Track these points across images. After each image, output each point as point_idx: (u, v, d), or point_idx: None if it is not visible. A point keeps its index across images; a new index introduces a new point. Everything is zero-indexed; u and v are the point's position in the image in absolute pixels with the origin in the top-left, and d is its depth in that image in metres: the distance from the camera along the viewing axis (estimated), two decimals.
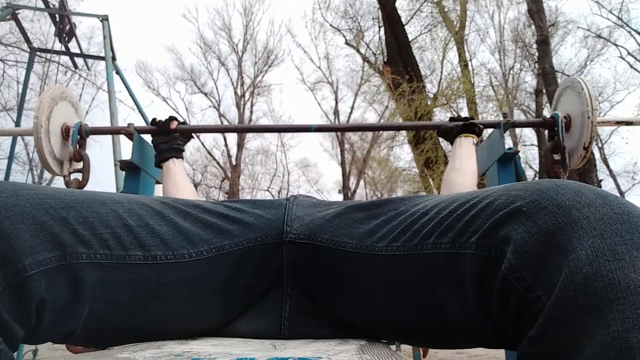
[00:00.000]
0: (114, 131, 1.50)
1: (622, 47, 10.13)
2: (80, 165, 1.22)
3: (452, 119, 1.21)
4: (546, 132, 1.27)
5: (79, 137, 1.22)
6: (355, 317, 0.54)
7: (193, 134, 1.25)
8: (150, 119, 1.22)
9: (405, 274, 0.48)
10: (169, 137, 1.18)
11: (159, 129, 1.18)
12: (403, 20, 8.17)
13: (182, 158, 1.19)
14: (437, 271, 0.45)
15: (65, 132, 1.22)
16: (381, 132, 11.08)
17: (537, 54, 7.60)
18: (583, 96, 1.13)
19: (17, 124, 4.20)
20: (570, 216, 0.34)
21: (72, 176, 1.21)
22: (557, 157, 1.18)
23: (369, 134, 13.26)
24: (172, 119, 1.21)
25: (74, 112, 1.28)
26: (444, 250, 0.45)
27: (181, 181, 1.11)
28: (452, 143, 1.18)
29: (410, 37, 8.17)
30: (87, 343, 0.50)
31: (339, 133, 14.33)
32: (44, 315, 0.40)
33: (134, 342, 0.51)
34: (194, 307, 0.51)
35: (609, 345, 0.28)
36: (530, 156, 10.12)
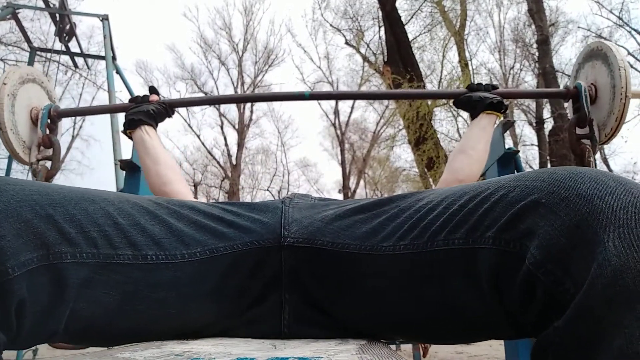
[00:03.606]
0: (87, 112, 1.31)
1: (622, 47, 10.12)
2: (50, 152, 1.11)
3: (471, 88, 1.07)
4: (565, 106, 1.12)
5: (48, 121, 1.10)
6: (362, 320, 0.53)
7: (175, 111, 1.09)
8: None
9: (415, 272, 0.47)
10: (141, 104, 1.01)
11: (137, 104, 1.02)
12: (403, 20, 8.17)
13: (155, 127, 1.01)
14: (449, 267, 0.44)
15: (35, 117, 1.10)
16: (381, 131, 11.07)
17: (537, 53, 7.60)
18: (613, 61, 0.99)
19: None
20: (593, 206, 0.34)
21: (42, 164, 1.10)
22: (582, 131, 1.07)
23: (369, 134, 13.24)
24: (152, 91, 1.06)
25: (44, 95, 1.17)
26: (457, 246, 0.43)
27: (159, 152, 0.94)
28: (472, 116, 1.05)
29: (410, 37, 8.17)
30: (70, 343, 0.49)
31: (339, 132, 14.33)
32: (24, 317, 0.39)
33: (120, 344, 0.50)
34: (184, 309, 0.50)
35: (637, 337, 0.28)
36: (530, 156, 10.12)
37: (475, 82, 1.09)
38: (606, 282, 0.30)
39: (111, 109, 1.23)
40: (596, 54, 1.07)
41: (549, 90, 1.38)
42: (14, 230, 0.38)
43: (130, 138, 1.00)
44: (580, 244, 0.33)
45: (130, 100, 1.06)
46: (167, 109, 1.04)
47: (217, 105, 14.64)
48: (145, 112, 0.99)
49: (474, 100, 1.03)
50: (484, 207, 0.42)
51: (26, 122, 1.09)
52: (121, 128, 1.04)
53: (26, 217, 0.40)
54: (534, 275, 0.36)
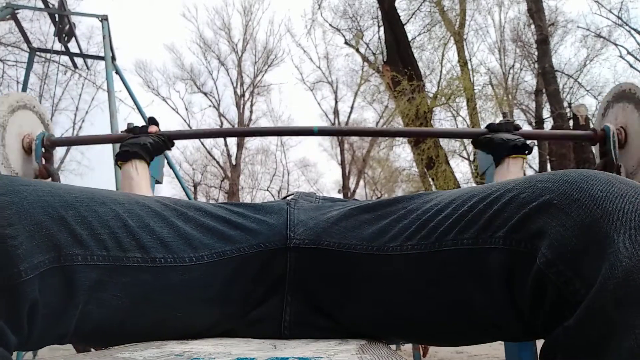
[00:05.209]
0: (83, 141, 1.28)
1: (621, 46, 10.09)
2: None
3: (492, 128, 1.00)
4: (594, 148, 1.07)
5: (43, 150, 1.05)
6: (368, 322, 0.52)
7: (174, 143, 1.03)
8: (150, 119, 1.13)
9: (422, 273, 0.47)
10: (139, 136, 0.95)
11: (134, 135, 0.97)
12: (402, 19, 8.17)
13: (148, 162, 0.95)
14: (458, 268, 0.44)
15: (28, 145, 1.04)
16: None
17: (536, 53, 7.60)
18: None
19: None
20: (604, 208, 0.34)
21: None
22: None
23: None
24: (151, 122, 1.01)
25: (37, 120, 1.12)
26: (466, 246, 0.44)
27: (143, 193, 0.83)
28: (495, 160, 0.99)
29: (409, 37, 8.18)
30: (79, 344, 0.49)
31: None
32: (35, 319, 0.39)
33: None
34: (190, 312, 0.50)
35: None
36: (529, 156, 10.12)
37: (496, 122, 1.02)
38: (617, 283, 0.30)
39: (108, 139, 1.13)
40: (628, 96, 1.01)
41: (575, 133, 1.32)
42: (27, 232, 0.38)
43: (119, 167, 0.96)
44: (591, 244, 0.33)
45: (127, 130, 1.00)
46: (166, 141, 0.99)
47: (216, 105, 14.65)
48: (141, 145, 0.93)
49: (496, 142, 0.96)
50: (495, 208, 0.42)
51: (18, 151, 1.04)
52: (121, 131, 1.00)
53: (39, 218, 0.40)
54: (544, 275, 0.36)
